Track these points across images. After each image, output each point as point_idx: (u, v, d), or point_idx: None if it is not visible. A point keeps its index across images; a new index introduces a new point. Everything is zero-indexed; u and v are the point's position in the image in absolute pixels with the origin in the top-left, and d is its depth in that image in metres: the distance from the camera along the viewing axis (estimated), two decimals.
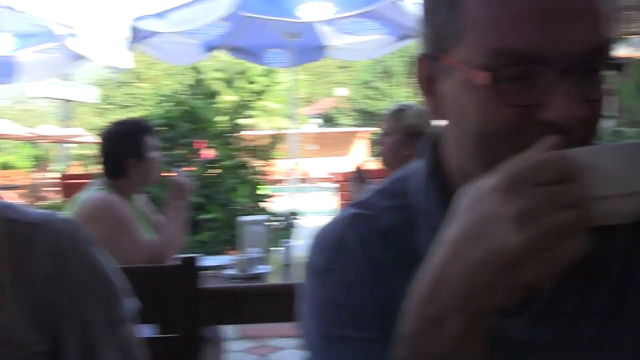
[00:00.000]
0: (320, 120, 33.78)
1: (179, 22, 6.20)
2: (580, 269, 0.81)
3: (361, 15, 6.35)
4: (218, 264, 3.52)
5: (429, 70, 0.90)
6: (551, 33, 0.77)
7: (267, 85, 9.00)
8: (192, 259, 2.34)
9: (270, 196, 7.14)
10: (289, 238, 4.11)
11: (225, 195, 6.54)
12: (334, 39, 7.07)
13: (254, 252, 3.41)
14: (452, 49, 0.84)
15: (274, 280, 3.34)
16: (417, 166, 0.99)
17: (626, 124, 5.77)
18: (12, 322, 1.09)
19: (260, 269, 3.33)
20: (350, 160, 18.25)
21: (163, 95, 7.82)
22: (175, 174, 3.48)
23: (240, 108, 7.41)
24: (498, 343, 0.80)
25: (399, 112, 3.42)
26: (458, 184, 0.82)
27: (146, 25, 6.27)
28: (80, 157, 17.35)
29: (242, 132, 7.24)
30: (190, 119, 6.72)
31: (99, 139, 3.40)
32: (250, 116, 7.61)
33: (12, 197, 12.15)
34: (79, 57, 7.59)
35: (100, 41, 7.88)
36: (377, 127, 3.62)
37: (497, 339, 0.79)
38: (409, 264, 0.83)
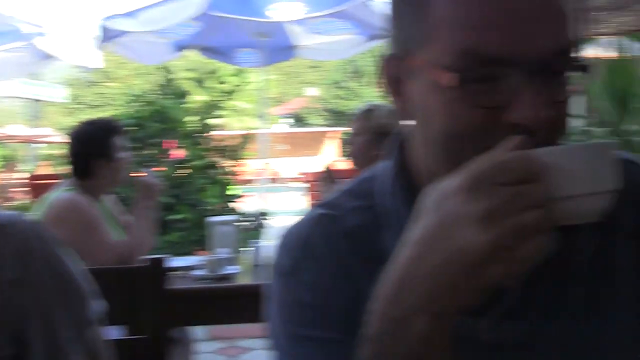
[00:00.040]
0: (291, 120, 33.85)
1: (149, 22, 6.16)
2: (545, 269, 0.81)
3: (331, 15, 6.37)
4: (187, 264, 3.51)
5: (396, 71, 0.90)
6: (517, 35, 0.78)
7: (237, 85, 9.00)
8: (160, 260, 2.34)
9: (240, 196, 7.14)
10: (258, 238, 4.12)
11: (195, 196, 6.53)
12: (304, 39, 7.06)
13: (223, 252, 3.40)
14: (419, 50, 0.84)
15: (244, 280, 3.34)
16: (383, 166, 0.99)
17: (595, 123, 5.83)
18: None
19: (230, 269, 3.33)
20: (321, 160, 18.25)
21: (133, 95, 7.80)
22: (145, 174, 3.46)
23: (211, 108, 7.41)
24: (464, 343, 0.80)
25: (369, 112, 3.42)
26: (424, 184, 0.81)
27: (116, 25, 6.21)
28: (49, 157, 17.16)
29: (212, 132, 7.24)
30: (160, 119, 6.70)
31: (67, 139, 3.37)
32: (220, 116, 7.61)
33: None
34: (47, 57, 7.49)
35: (70, 40, 7.78)
36: (348, 127, 3.62)
37: (463, 339, 0.79)
38: (376, 264, 0.83)
